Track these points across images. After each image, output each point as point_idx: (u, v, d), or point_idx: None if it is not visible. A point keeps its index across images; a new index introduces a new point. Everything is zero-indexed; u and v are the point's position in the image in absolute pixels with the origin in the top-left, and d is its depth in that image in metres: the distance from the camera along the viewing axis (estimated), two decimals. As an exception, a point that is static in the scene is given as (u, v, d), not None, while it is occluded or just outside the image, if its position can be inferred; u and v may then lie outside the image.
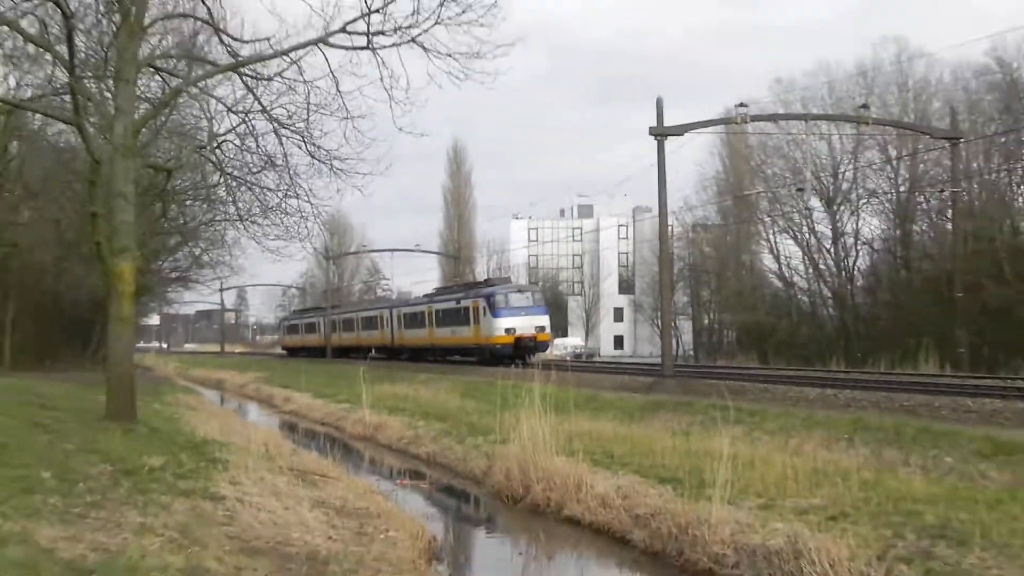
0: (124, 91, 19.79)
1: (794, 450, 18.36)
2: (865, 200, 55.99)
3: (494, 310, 50.10)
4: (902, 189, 53.24)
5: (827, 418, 21.32)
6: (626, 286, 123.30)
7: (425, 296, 69.25)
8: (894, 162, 53.87)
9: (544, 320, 51.59)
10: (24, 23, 20.95)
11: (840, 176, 56.46)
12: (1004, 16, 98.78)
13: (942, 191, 46.21)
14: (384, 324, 69.85)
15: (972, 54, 51.77)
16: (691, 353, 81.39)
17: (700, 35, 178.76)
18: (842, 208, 56.56)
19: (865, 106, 42.27)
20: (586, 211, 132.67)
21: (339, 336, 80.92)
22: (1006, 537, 11.64)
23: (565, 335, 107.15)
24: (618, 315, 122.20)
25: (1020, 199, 47.96)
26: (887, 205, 54.27)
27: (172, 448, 18.41)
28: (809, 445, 18.82)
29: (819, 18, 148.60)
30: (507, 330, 49.29)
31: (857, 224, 57.30)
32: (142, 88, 22.25)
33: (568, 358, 66.11)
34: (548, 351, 54.79)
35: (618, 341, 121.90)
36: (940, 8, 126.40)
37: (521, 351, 48.51)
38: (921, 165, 52.09)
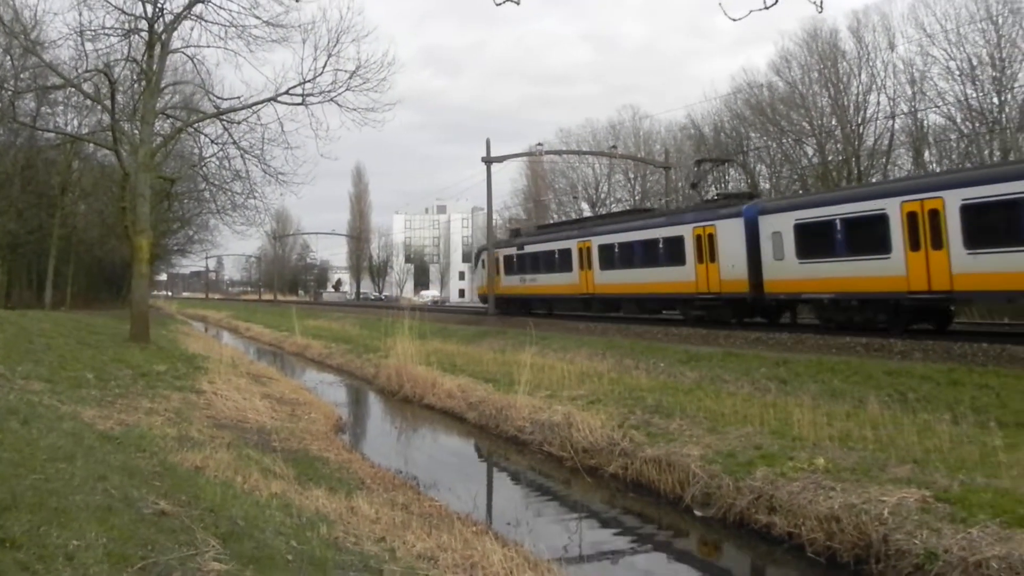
0: (146, 129, 20.91)
1: (569, 361, 18.94)
2: (614, 204, 57.32)
3: None
4: (637, 198, 54.84)
5: (591, 340, 21.99)
6: (467, 256, 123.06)
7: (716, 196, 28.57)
8: (632, 181, 55.52)
9: None
10: (85, 86, 21.91)
11: (599, 189, 57.61)
12: (706, 81, 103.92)
13: (660, 199, 47.85)
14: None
15: (677, 116, 54.17)
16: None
17: (517, 101, 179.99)
18: (600, 209, 57.69)
19: (614, 146, 44.03)
20: (442, 209, 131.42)
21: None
22: (694, 411, 12.47)
23: (427, 288, 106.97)
24: (461, 276, 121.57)
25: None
26: (628, 208, 55.70)
27: (172, 359, 17.97)
28: (579, 357, 19.44)
29: (588, 93, 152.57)
30: None
31: (609, 220, 58.60)
32: (157, 127, 22.72)
33: (428, 304, 65.39)
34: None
35: (461, 292, 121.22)
36: (662, 88, 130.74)
37: None
38: (648, 183, 53.84)
